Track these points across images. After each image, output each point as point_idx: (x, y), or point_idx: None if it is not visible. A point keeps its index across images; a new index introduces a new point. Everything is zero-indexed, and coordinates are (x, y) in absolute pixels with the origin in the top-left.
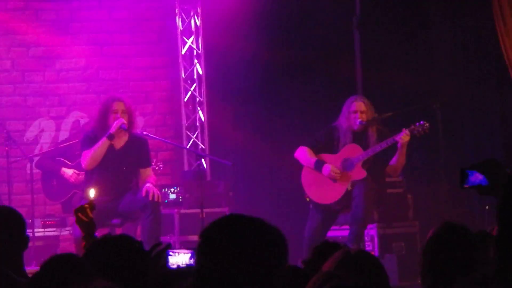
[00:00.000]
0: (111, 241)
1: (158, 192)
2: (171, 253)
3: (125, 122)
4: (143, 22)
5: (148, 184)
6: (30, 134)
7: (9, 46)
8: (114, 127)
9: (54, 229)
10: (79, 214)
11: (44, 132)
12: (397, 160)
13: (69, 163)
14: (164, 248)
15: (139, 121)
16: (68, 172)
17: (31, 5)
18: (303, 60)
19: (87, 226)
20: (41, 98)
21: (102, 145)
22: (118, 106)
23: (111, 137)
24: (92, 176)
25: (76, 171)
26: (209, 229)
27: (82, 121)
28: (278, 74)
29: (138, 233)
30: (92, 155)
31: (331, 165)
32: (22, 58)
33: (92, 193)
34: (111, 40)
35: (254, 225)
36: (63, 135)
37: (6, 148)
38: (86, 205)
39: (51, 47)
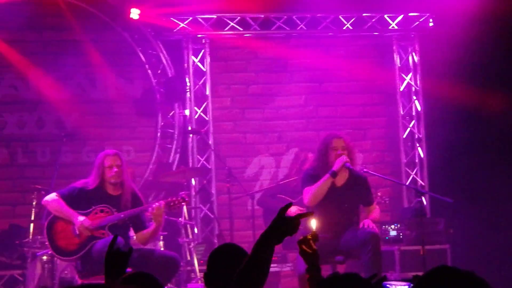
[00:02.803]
0: (340, 279)
1: (374, 226)
2: (387, 285)
3: (349, 160)
4: (360, 59)
5: (366, 220)
6: (250, 171)
7: (229, 84)
8: (337, 165)
9: (275, 265)
10: (303, 246)
11: (264, 169)
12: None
13: (291, 200)
14: (382, 278)
15: (358, 158)
16: (292, 209)
17: (250, 44)
18: None
19: (311, 257)
20: (260, 135)
21: (325, 182)
22: (338, 143)
23: (334, 175)
24: (314, 213)
25: (299, 208)
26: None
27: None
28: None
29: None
30: (314, 193)
31: None
32: (242, 95)
33: (314, 224)
34: (329, 78)
35: (466, 280)
36: (283, 172)
37: (228, 185)
38: (309, 237)
39: (269, 84)
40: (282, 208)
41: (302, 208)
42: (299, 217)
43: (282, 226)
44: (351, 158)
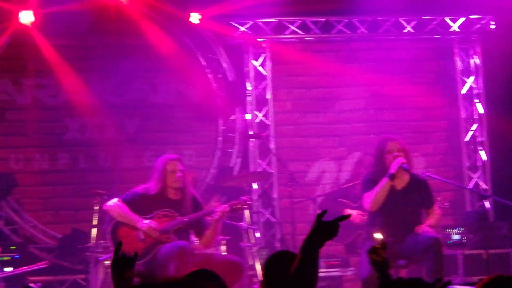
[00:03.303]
0: (404, 284)
1: (431, 231)
2: None
3: (405, 161)
4: (421, 63)
5: (423, 225)
6: (311, 175)
7: (290, 88)
8: (394, 167)
9: (337, 269)
10: (373, 256)
11: (325, 173)
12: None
13: (352, 204)
14: (446, 282)
15: (420, 162)
16: (352, 213)
17: (310, 47)
18: None
19: (381, 266)
20: (321, 139)
21: (383, 186)
22: (393, 146)
23: (392, 177)
24: (376, 217)
25: (360, 212)
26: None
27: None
28: None
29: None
30: (374, 197)
31: None
32: (303, 99)
33: (379, 236)
34: (390, 81)
35: None
36: (344, 176)
37: (289, 189)
38: (378, 246)
39: (330, 88)
40: (338, 217)
41: (363, 213)
42: (338, 220)
43: (322, 231)
44: (408, 159)
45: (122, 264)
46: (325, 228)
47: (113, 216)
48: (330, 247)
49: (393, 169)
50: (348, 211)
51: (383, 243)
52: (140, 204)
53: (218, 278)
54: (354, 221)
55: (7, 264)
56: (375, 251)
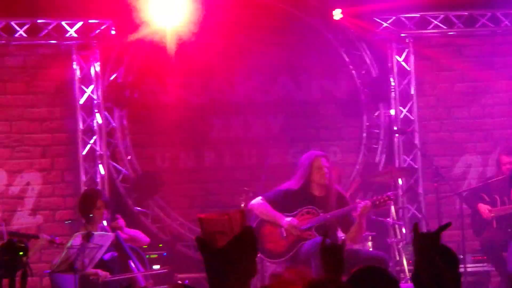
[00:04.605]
0: None
1: None
2: None
3: None
4: None
5: None
6: (457, 169)
7: (434, 83)
8: None
9: (484, 264)
10: None
11: (471, 168)
12: None
13: (486, 199)
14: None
15: None
16: (482, 208)
17: (454, 41)
18: None
19: None
20: (467, 134)
21: None
22: None
23: None
24: None
25: (488, 208)
26: None
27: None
28: None
29: None
30: None
31: None
32: (447, 94)
33: None
34: None
35: None
36: (490, 170)
37: (435, 184)
38: None
39: (475, 82)
40: (441, 226)
41: (491, 209)
42: (440, 231)
43: (420, 243)
44: None
45: None
46: (424, 240)
47: (257, 215)
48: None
49: None
50: (481, 206)
51: None
52: (283, 202)
53: (387, 273)
54: (483, 216)
55: (155, 261)
56: None
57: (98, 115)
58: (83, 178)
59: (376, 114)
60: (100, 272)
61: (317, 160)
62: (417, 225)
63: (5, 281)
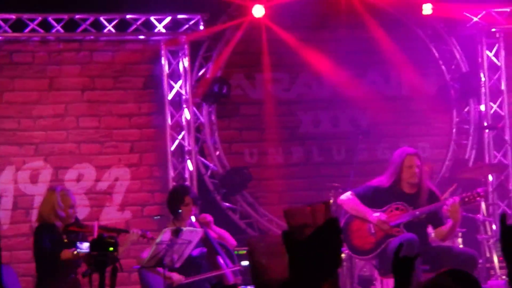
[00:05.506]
0: None
1: None
2: None
3: None
4: None
5: None
6: None
7: None
8: None
9: None
10: None
11: None
12: None
13: None
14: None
15: None
16: None
17: None
18: None
19: None
20: None
21: None
22: None
23: None
24: None
25: None
26: None
27: None
28: None
29: None
30: None
31: None
32: None
33: None
34: None
35: None
36: None
37: None
38: None
39: None
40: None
41: None
42: None
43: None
44: None
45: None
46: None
47: (346, 210)
48: None
49: None
50: None
51: None
52: (373, 198)
53: (473, 279)
54: None
55: (244, 258)
56: None
57: (186, 111)
58: (172, 173)
59: (466, 109)
60: (174, 276)
61: (408, 159)
62: (504, 216)
63: (95, 276)
